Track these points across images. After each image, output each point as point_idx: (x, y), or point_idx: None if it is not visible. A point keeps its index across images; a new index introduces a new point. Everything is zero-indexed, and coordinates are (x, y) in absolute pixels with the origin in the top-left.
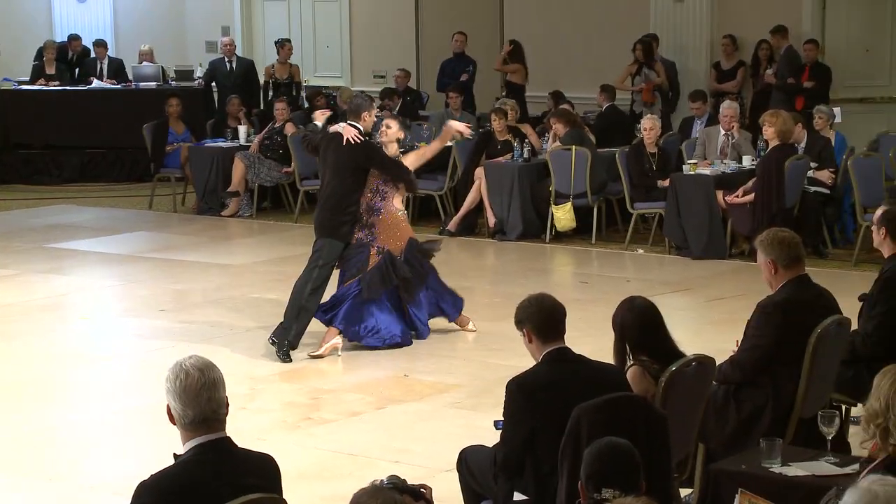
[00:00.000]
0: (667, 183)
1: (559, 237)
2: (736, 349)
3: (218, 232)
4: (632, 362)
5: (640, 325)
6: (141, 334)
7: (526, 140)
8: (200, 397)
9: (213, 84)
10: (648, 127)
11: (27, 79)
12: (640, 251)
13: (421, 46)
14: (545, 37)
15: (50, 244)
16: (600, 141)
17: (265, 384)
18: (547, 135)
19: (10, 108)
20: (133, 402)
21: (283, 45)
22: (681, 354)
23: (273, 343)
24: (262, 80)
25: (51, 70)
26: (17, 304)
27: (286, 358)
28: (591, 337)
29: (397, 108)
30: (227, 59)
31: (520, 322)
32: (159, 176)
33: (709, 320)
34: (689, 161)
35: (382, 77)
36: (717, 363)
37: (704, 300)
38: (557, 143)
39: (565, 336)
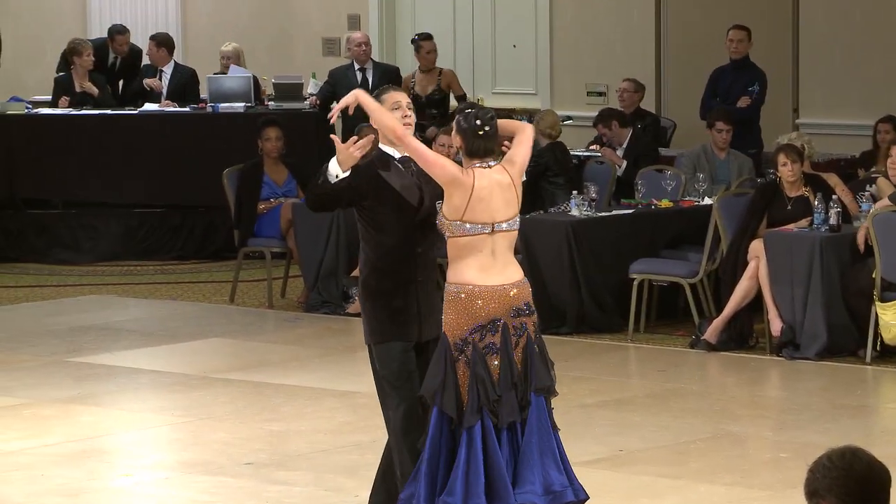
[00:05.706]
0: None
1: (888, 354)
2: None
3: (339, 340)
4: None
5: None
6: (214, 501)
7: (833, 197)
8: None
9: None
10: None
11: (48, 98)
12: None
13: (665, 48)
14: (859, 26)
15: (76, 357)
16: None
17: None
18: (869, 188)
19: (18, 146)
20: None
21: (420, 45)
22: None
23: None
24: None
25: (83, 84)
26: (24, 451)
27: None
28: None
29: (625, 144)
30: (357, 67)
31: (816, 494)
32: (247, 250)
33: None
34: None
35: (602, 95)
36: None
37: None
38: (886, 201)
39: None
